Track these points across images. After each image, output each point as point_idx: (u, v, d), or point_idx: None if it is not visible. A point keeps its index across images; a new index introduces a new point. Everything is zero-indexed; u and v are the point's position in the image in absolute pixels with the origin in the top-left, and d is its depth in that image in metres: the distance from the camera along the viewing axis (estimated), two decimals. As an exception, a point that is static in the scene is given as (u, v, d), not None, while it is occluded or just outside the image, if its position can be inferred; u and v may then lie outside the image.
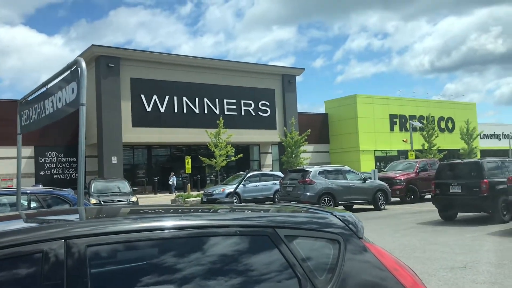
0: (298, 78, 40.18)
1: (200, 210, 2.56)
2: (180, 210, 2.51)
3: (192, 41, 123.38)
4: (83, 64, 4.41)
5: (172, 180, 32.39)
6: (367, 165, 39.59)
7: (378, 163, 41.74)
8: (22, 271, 1.68)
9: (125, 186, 19.00)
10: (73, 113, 4.92)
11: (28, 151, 29.25)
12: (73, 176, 30.97)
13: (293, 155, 32.65)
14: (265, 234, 2.09)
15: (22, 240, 1.72)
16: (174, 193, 29.62)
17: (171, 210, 2.43)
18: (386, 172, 22.82)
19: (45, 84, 5.34)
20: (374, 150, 42.80)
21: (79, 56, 31.37)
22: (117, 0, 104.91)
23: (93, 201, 16.75)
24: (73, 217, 2.51)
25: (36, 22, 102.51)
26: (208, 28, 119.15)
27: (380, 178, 19.92)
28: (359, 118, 42.19)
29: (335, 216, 2.42)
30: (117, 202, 16.89)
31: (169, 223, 2.04)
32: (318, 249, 2.20)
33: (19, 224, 2.11)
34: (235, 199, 20.53)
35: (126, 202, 17.08)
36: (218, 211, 2.44)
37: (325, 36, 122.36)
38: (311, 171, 17.14)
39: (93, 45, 30.60)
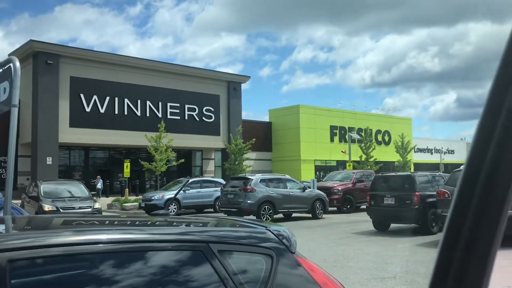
0: (244, 86, 40.51)
1: (135, 223, 2.51)
2: (115, 223, 2.45)
3: (140, 42, 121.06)
4: (17, 63, 4.22)
5: (100, 184, 31.12)
6: (307, 174, 40.42)
7: (318, 173, 42.71)
8: None
9: (82, 190, 16.34)
10: (8, 111, 4.67)
11: (-47, 148, 27.38)
12: (3, 176, 29.33)
13: (236, 162, 32.72)
14: (199, 249, 2.09)
15: None
16: (98, 198, 28.27)
17: (106, 222, 2.37)
18: (324, 181, 23.36)
19: (-26, 81, 5.03)
20: (315, 160, 43.77)
21: (16, 50, 29.96)
22: None
23: (48, 207, 14.35)
24: None
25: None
26: (156, 30, 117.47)
27: (319, 188, 20.36)
28: (301, 128, 43.05)
29: (270, 231, 2.45)
30: (78, 209, 14.62)
31: (101, 236, 1.98)
32: (251, 264, 2.22)
33: None
34: (174, 206, 20.24)
35: (89, 210, 14.80)
36: (154, 224, 2.40)
37: (273, 46, 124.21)
38: (252, 179, 17.26)
39: (31, 40, 29.28)
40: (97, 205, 15.34)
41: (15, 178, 28.88)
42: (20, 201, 17.51)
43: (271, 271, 2.21)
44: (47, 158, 28.73)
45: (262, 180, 17.47)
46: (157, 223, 2.41)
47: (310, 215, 18.16)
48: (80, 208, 14.67)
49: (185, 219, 2.66)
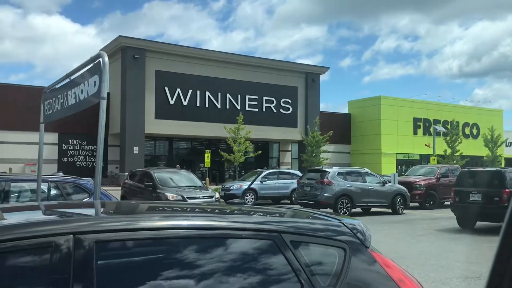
0: (322, 77, 40.03)
1: (208, 211, 2.59)
2: (196, 210, 2.54)
3: (222, 37, 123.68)
4: (106, 58, 4.48)
5: None
6: (388, 168, 39.17)
7: (399, 167, 41.26)
8: (32, 262, 1.73)
9: (194, 179, 15.55)
10: (98, 103, 4.99)
11: (52, 137, 29.83)
12: (94, 164, 31.45)
13: (313, 155, 32.54)
14: (271, 239, 2.11)
15: (34, 233, 1.77)
16: None
17: (188, 210, 2.47)
18: (406, 176, 22.55)
19: (69, 75, 5.44)
20: (396, 153, 42.31)
21: (107, 46, 31.91)
22: None
23: (172, 196, 13.42)
24: (87, 211, 2.57)
25: (71, 12, 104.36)
26: (238, 24, 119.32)
27: (400, 182, 19.69)
28: (383, 120, 41.74)
29: (344, 224, 2.42)
30: (202, 198, 13.74)
31: (184, 222, 2.08)
32: (324, 256, 2.21)
33: (33, 216, 2.17)
34: (252, 196, 20.58)
35: (213, 199, 14.00)
36: (229, 212, 2.46)
37: (354, 36, 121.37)
38: (329, 172, 17.05)
39: (120, 36, 30.99)
40: (217, 195, 14.79)
41: (105, 166, 30.92)
42: (107, 188, 18.46)
43: (343, 265, 2.18)
44: (134, 148, 30.36)
45: (339, 173, 17.20)
46: (233, 211, 2.46)
47: (390, 211, 17.63)
48: (204, 197, 13.84)
49: (259, 209, 2.69)
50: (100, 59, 4.49)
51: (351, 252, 2.24)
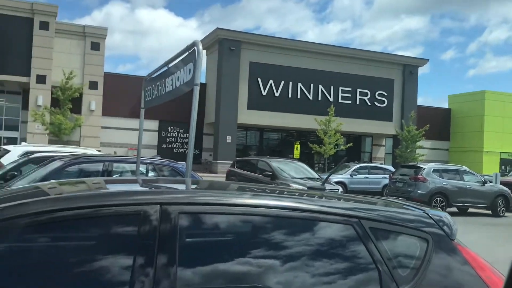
0: (421, 70, 38.24)
1: (285, 193, 2.62)
2: (284, 192, 2.59)
3: (318, 28, 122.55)
4: (200, 47, 4.66)
5: None
6: (490, 167, 36.45)
7: (503, 167, 38.23)
8: (122, 228, 1.91)
9: (309, 170, 14.88)
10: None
11: (153, 124, 31.74)
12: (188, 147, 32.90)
13: (408, 150, 31.28)
14: (350, 224, 2.10)
15: (125, 201, 1.95)
16: None
17: (276, 192, 2.53)
18: (510, 176, 20.88)
19: (166, 63, 5.76)
20: (500, 152, 39.24)
21: (205, 38, 33.14)
22: None
23: (296, 187, 11.42)
24: (177, 186, 2.74)
25: (175, 6, 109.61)
26: (335, 15, 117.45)
27: (503, 183, 18.29)
28: (486, 116, 38.88)
29: (429, 215, 2.33)
30: (329, 191, 11.95)
31: (257, 201, 2.11)
32: (404, 245, 2.15)
33: (128, 187, 2.36)
34: (340, 190, 20.30)
35: (340, 192, 13.00)
36: (305, 195, 2.48)
37: (459, 26, 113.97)
38: (424, 168, 16.30)
39: (217, 28, 31.99)
40: (340, 189, 14.18)
41: (199, 154, 32.30)
42: (201, 174, 19.09)
43: (425, 256, 2.11)
44: (227, 137, 31.31)
45: (435, 170, 16.38)
46: (308, 195, 2.48)
47: (489, 212, 16.47)
48: (331, 190, 12.12)
49: (339, 195, 2.68)
50: (195, 48, 4.70)
51: (435, 244, 2.16)
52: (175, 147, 33.51)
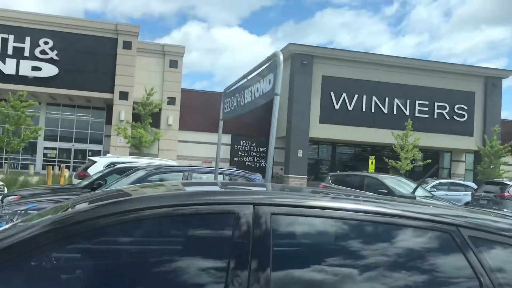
0: (505, 82, 35.96)
1: (379, 200, 2.55)
2: (373, 199, 2.53)
3: (394, 41, 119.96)
4: (281, 57, 4.72)
5: None
6: None
7: None
8: (217, 226, 1.94)
9: (424, 189, 13.96)
10: (267, 107, 5.32)
11: (226, 138, 32.44)
12: (262, 165, 33.26)
13: (491, 166, 29.46)
14: (447, 232, 1.99)
15: (220, 201, 1.99)
16: None
17: (360, 197, 2.48)
18: None
19: (245, 76, 5.89)
20: None
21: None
22: (325, 2, 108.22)
23: None
24: (262, 189, 2.77)
25: (249, 24, 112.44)
26: (411, 28, 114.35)
27: None
28: None
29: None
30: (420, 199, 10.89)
31: (352, 205, 2.08)
32: (509, 258, 2.00)
33: (218, 188, 2.41)
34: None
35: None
36: (398, 202, 2.40)
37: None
38: (511, 185, 15.27)
39: (290, 43, 32.23)
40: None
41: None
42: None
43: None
44: (298, 151, 31.23)
45: (524, 187, 15.28)
46: (405, 202, 2.39)
47: None
48: (422, 197, 11.58)
49: (433, 202, 2.57)
50: (275, 58, 4.77)
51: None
52: (246, 161, 33.96)
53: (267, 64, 5.06)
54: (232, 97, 6.51)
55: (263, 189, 2.62)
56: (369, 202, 2.24)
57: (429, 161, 29.14)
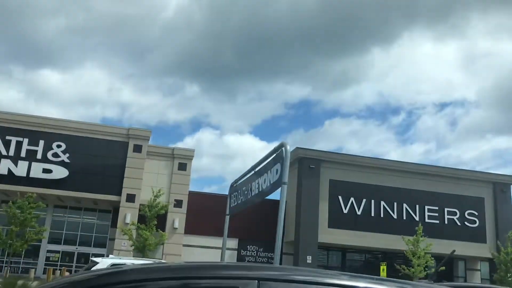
0: (513, 187, 35.74)
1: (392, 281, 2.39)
2: (366, 278, 2.38)
3: (401, 149, 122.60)
4: (288, 147, 4.77)
5: None
6: None
7: None
8: None
9: None
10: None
11: (233, 242, 31.71)
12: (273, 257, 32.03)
13: (509, 275, 28.14)
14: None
15: (223, 275, 1.90)
16: None
17: (366, 276, 2.34)
18: None
19: (253, 168, 5.90)
20: None
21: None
22: (334, 112, 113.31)
23: None
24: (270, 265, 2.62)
25: (260, 131, 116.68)
26: (418, 136, 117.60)
27: None
28: None
29: None
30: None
31: (356, 283, 2.01)
32: None
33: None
34: None
35: None
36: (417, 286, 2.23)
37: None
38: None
39: (297, 147, 32.85)
40: None
41: (279, 274, 31.26)
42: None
43: None
44: (308, 257, 30.30)
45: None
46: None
47: None
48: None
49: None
50: (283, 148, 4.80)
51: None
52: (254, 267, 32.85)
53: (274, 154, 5.09)
54: (239, 190, 6.47)
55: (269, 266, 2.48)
56: (380, 283, 2.11)
57: (443, 268, 27.96)
